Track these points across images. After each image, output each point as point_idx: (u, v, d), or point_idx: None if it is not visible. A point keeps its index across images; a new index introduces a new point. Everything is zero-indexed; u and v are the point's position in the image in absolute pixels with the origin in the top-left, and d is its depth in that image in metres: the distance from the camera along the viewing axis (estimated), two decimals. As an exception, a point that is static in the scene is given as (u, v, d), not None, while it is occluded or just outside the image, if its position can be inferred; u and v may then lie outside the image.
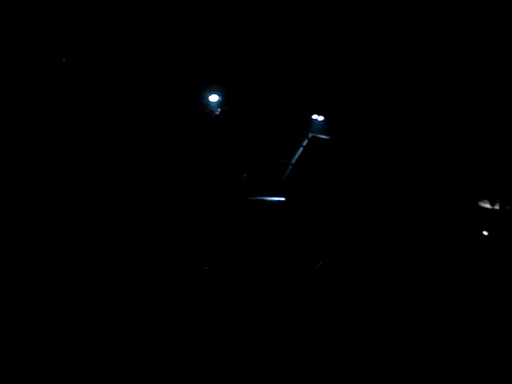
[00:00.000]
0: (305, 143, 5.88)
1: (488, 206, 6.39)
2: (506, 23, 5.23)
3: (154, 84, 5.99)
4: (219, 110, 5.93)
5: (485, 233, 6.22)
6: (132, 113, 6.06)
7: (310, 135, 5.83)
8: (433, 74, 5.87)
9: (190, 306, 5.07)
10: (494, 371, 4.22)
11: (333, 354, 4.43)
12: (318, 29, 5.64)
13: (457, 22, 5.55)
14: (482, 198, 6.29)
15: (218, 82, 6.02)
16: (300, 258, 5.86)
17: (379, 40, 5.62)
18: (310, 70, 5.94)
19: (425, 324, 5.05)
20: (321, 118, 5.94)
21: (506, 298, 5.40)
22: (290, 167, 5.86)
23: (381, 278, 5.68)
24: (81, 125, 5.91)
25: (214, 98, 6.02)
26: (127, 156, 6.00)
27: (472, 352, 4.57)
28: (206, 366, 4.07)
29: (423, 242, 5.96)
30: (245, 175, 5.92)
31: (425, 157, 6.12)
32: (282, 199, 5.92)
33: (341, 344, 4.60)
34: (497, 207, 6.33)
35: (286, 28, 5.67)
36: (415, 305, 5.37)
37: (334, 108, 5.95)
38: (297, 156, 5.85)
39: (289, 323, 4.97)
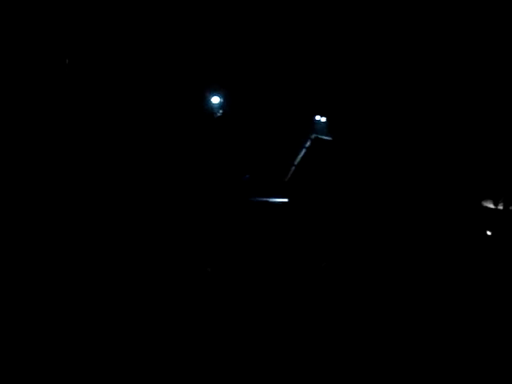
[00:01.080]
0: (308, 144, 5.86)
1: (491, 205, 6.39)
2: (506, 23, 5.21)
3: (156, 86, 5.97)
4: (221, 111, 5.91)
5: (488, 232, 6.21)
6: (136, 115, 6.05)
7: (313, 136, 5.80)
8: (434, 73, 5.86)
9: (193, 306, 5.05)
10: (493, 371, 4.22)
11: (340, 353, 4.42)
12: (322, 32, 5.63)
13: (461, 23, 5.54)
14: (486, 198, 6.29)
15: (220, 83, 6.00)
16: (303, 259, 5.84)
17: (382, 43, 5.61)
18: (313, 71, 5.92)
19: (429, 322, 5.03)
20: (323, 120, 5.92)
21: (508, 297, 5.40)
22: (293, 168, 5.84)
23: (386, 278, 5.66)
24: (83, 126, 5.91)
25: (215, 99, 6.00)
26: (131, 157, 5.98)
27: (475, 350, 4.56)
28: (211, 365, 4.06)
29: (428, 241, 5.94)
30: (247, 176, 5.90)
31: (429, 157, 6.11)
32: (285, 200, 5.89)
33: (348, 344, 4.59)
34: (500, 207, 6.33)
35: (288, 30, 5.65)
36: (420, 303, 5.36)
37: (336, 109, 5.93)
38: (300, 157, 5.83)
39: (294, 323, 4.96)
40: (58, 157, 5.73)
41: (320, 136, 5.80)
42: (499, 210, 6.14)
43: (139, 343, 4.29)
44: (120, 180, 5.89)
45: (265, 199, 6.08)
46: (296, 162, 5.86)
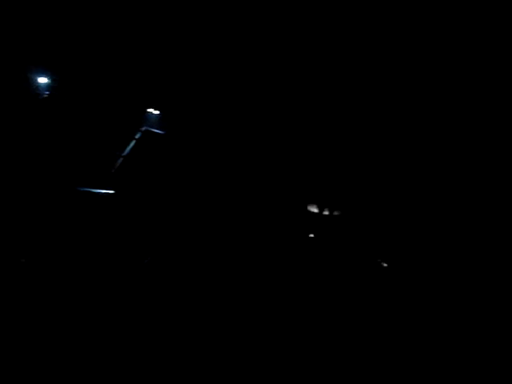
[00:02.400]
0: (138, 136, 5.72)
1: (316, 210, 6.81)
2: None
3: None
4: (47, 92, 5.53)
5: (311, 235, 6.60)
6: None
7: (144, 128, 5.69)
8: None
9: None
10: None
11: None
12: (155, 25, 5.55)
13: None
14: (311, 203, 6.68)
15: (50, 64, 5.62)
16: (128, 251, 5.68)
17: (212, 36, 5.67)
18: (148, 63, 5.81)
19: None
20: (156, 112, 5.84)
21: (329, 295, 5.76)
22: (121, 159, 5.65)
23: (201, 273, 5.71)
24: None
25: (42, 79, 5.61)
26: None
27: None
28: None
29: (254, 240, 6.12)
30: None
31: (258, 157, 6.32)
32: (111, 192, 5.68)
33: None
34: (326, 212, 6.77)
35: (121, 19, 5.48)
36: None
37: (170, 103, 5.88)
38: (128, 149, 5.67)
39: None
40: None
41: (151, 129, 5.69)
42: (324, 215, 6.57)
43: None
44: None
45: (89, 189, 5.82)
46: (124, 153, 5.68)
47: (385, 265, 6.37)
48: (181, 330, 4.66)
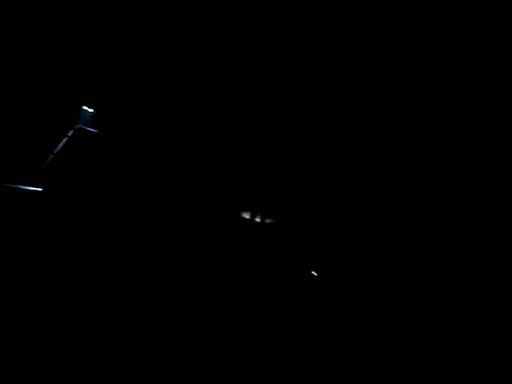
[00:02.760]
0: (70, 134, 5.60)
1: (248, 216, 7.05)
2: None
3: None
4: (-27, 82, 5.23)
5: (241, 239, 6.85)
6: None
7: (77, 126, 5.57)
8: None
9: None
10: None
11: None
12: (89, 21, 5.35)
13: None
14: (244, 210, 6.90)
15: None
16: (55, 249, 5.63)
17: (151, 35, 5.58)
18: (84, 60, 5.64)
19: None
20: (90, 110, 5.72)
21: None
22: (52, 156, 5.52)
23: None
24: None
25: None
26: None
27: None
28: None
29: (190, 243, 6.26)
30: None
31: (191, 159, 6.39)
32: (40, 189, 5.56)
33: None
34: (258, 219, 7.03)
35: (60, 17, 5.23)
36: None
37: (105, 101, 5.77)
38: (60, 146, 5.54)
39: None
40: None
41: (85, 127, 5.58)
42: (256, 221, 6.82)
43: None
44: None
45: (17, 186, 5.67)
46: (55, 151, 5.55)
47: (315, 274, 6.74)
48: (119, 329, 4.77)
